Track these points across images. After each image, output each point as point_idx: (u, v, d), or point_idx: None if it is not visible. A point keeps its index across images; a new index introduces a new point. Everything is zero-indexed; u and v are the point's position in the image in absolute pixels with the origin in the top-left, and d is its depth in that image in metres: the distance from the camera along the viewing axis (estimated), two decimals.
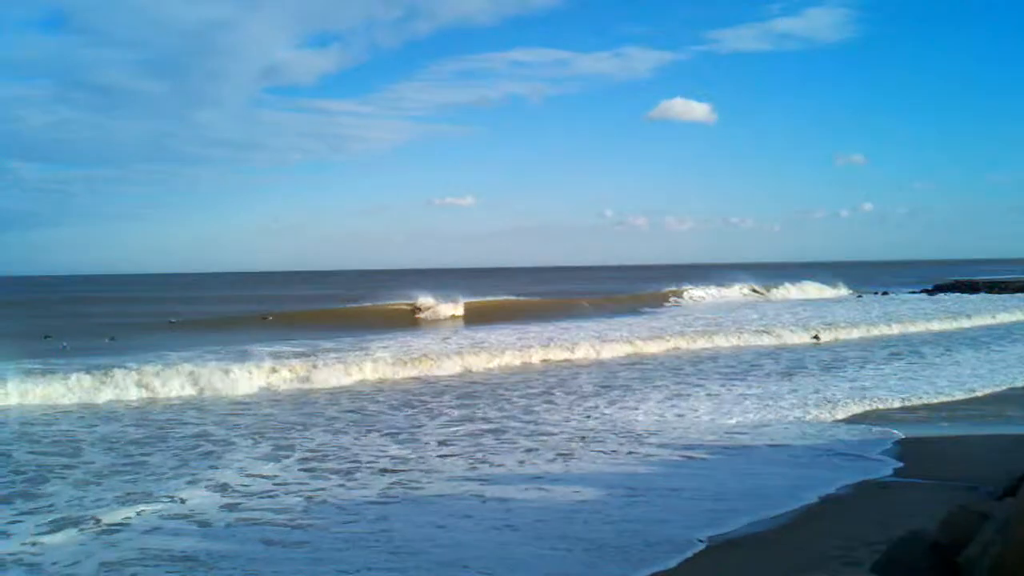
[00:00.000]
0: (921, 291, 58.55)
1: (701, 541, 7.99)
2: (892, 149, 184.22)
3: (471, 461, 11.55)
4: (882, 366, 21.45)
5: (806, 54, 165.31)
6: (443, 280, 68.56)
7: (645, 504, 9.34)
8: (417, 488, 10.09)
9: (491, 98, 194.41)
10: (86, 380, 17.33)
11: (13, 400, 16.27)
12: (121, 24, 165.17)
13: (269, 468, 11.19)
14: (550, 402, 16.60)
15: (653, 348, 26.01)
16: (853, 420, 14.56)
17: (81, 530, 8.43)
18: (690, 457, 11.71)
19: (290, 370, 19.26)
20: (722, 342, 27.46)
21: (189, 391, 17.56)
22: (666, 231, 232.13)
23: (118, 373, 17.74)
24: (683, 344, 26.84)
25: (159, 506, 9.32)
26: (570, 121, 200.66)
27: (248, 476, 10.70)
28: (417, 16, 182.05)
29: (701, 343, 27.21)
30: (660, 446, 12.46)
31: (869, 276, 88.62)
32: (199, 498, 9.66)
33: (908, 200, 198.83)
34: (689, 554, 7.65)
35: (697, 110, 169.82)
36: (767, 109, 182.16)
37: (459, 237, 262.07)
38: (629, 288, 62.14)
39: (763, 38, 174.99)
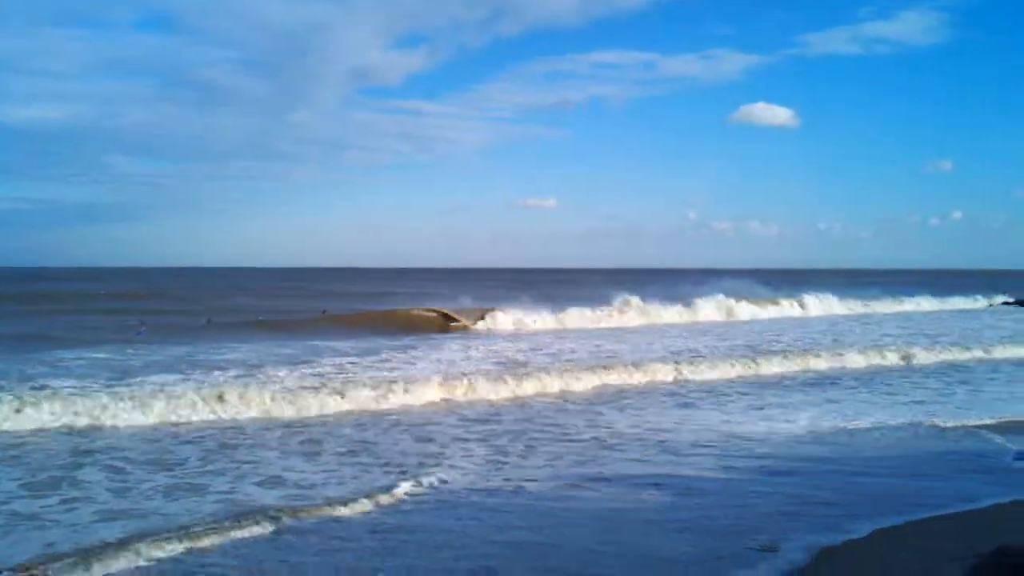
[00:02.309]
0: None
1: None
2: (983, 156, 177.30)
3: None
4: None
5: (896, 58, 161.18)
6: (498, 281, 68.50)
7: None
8: None
9: (575, 100, 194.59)
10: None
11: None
12: (223, 24, 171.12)
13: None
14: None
15: None
16: None
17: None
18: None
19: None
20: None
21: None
22: (751, 236, 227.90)
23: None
24: None
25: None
26: (653, 123, 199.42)
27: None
28: (503, 17, 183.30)
29: None
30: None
31: (971, 284, 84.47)
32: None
33: (1004, 208, 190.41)
34: None
35: (780, 115, 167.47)
36: (852, 114, 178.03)
37: (541, 239, 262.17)
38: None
39: (853, 42, 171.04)
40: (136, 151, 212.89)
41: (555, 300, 39.80)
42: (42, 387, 15.52)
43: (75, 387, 15.67)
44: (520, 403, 16.65)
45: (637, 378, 19.67)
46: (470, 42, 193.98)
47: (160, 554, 7.68)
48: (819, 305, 46.30)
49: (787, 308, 44.63)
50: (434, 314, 33.00)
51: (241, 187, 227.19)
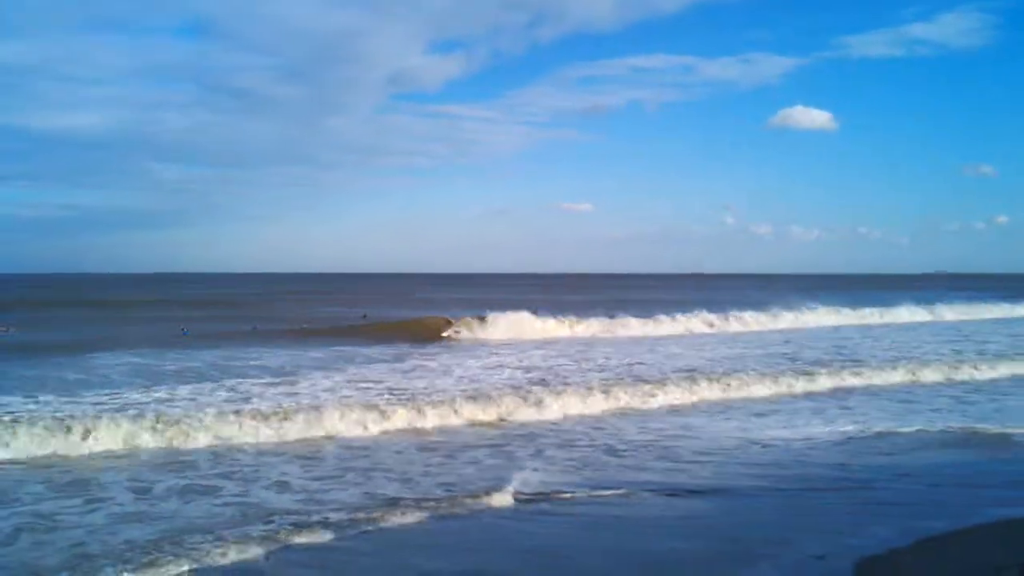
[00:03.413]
0: None
1: None
2: None
3: None
4: None
5: (937, 60, 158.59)
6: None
7: None
8: None
9: (613, 104, 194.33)
10: None
11: None
12: (259, 31, 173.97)
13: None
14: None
15: None
16: None
17: None
18: None
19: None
20: None
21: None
22: (792, 240, 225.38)
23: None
24: None
25: None
26: (690, 127, 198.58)
27: None
28: (542, 22, 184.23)
29: None
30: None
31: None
32: None
33: None
34: None
35: (818, 118, 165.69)
36: (892, 117, 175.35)
37: (577, 243, 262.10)
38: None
39: (894, 44, 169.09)
40: (174, 157, 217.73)
41: (603, 305, 39.44)
42: (68, 398, 15.66)
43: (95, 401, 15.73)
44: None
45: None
46: (508, 47, 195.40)
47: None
48: (951, 312, 45.35)
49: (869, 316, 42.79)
50: (452, 322, 31.85)
51: (277, 193, 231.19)
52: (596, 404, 16.42)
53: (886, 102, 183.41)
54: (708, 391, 18.11)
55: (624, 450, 12.78)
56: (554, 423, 14.97)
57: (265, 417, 13.50)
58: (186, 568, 7.44)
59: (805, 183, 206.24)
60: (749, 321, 37.75)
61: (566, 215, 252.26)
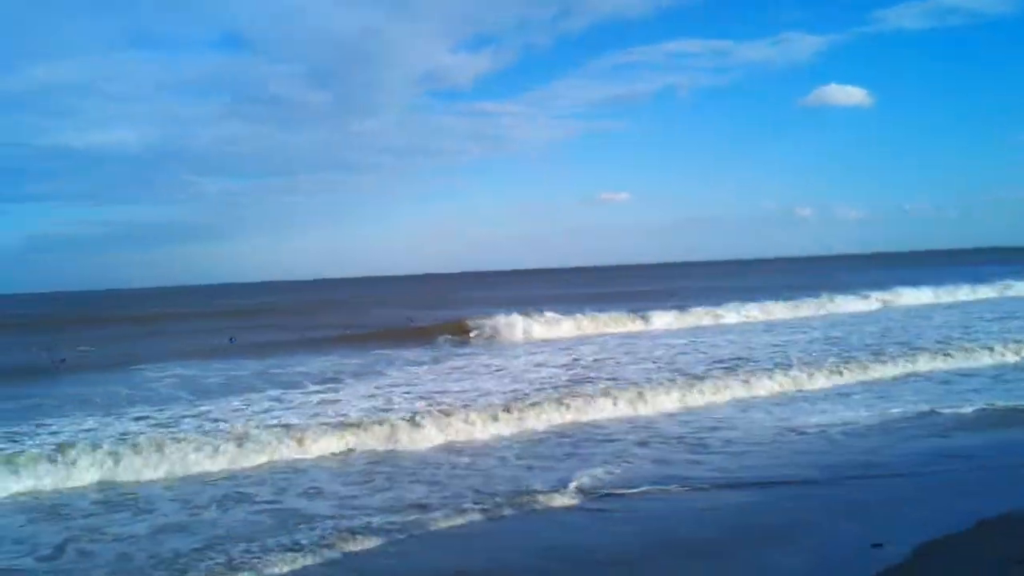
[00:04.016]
0: None
1: None
2: None
3: None
4: None
5: (970, 28, 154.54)
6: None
7: None
8: None
9: (647, 92, 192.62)
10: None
11: None
12: (287, 38, 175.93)
13: None
14: None
15: None
16: None
17: None
18: None
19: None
20: None
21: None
22: (835, 220, 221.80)
23: None
24: None
25: None
26: (725, 112, 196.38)
27: None
28: (571, 13, 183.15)
29: None
30: None
31: None
32: None
33: None
34: None
35: (853, 95, 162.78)
36: (929, 89, 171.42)
37: (617, 233, 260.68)
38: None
39: (925, 15, 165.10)
40: (211, 169, 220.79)
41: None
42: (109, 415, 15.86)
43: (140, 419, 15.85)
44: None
45: None
46: (538, 40, 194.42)
47: None
48: None
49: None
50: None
51: (315, 199, 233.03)
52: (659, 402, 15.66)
53: (922, 74, 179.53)
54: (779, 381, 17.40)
55: (683, 444, 12.59)
56: (594, 423, 14.49)
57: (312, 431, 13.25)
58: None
59: (844, 162, 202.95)
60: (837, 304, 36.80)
61: (604, 206, 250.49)
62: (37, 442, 13.02)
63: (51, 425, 14.55)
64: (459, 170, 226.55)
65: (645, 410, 15.16)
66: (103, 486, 11.22)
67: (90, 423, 14.68)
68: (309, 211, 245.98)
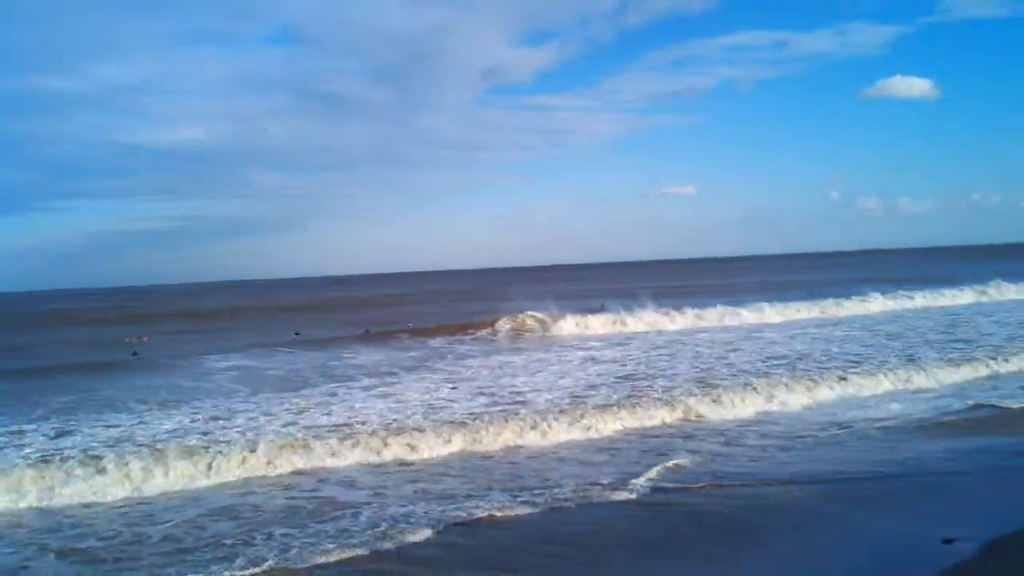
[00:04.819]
0: None
1: None
2: None
3: None
4: None
5: None
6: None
7: None
8: None
9: (707, 85, 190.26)
10: None
11: None
12: (347, 35, 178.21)
13: None
14: None
15: None
16: None
17: None
18: None
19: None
20: None
21: None
22: (902, 213, 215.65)
23: None
24: None
25: None
26: (786, 104, 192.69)
27: None
28: (631, 7, 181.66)
29: None
30: None
31: None
32: None
33: None
34: None
35: (919, 86, 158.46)
36: (998, 79, 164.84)
37: (681, 227, 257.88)
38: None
39: (998, 4, 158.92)
40: (275, 165, 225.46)
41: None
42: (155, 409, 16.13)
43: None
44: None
45: None
46: (599, 35, 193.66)
47: None
48: None
49: None
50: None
51: (374, 194, 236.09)
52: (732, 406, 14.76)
53: (991, 64, 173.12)
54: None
55: (756, 443, 12.32)
56: (646, 429, 13.79)
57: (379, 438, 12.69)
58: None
59: (910, 154, 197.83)
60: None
61: (668, 199, 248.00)
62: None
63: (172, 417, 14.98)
64: (518, 165, 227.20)
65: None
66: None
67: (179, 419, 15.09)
68: (369, 206, 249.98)
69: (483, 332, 29.50)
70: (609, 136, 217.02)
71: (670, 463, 10.89)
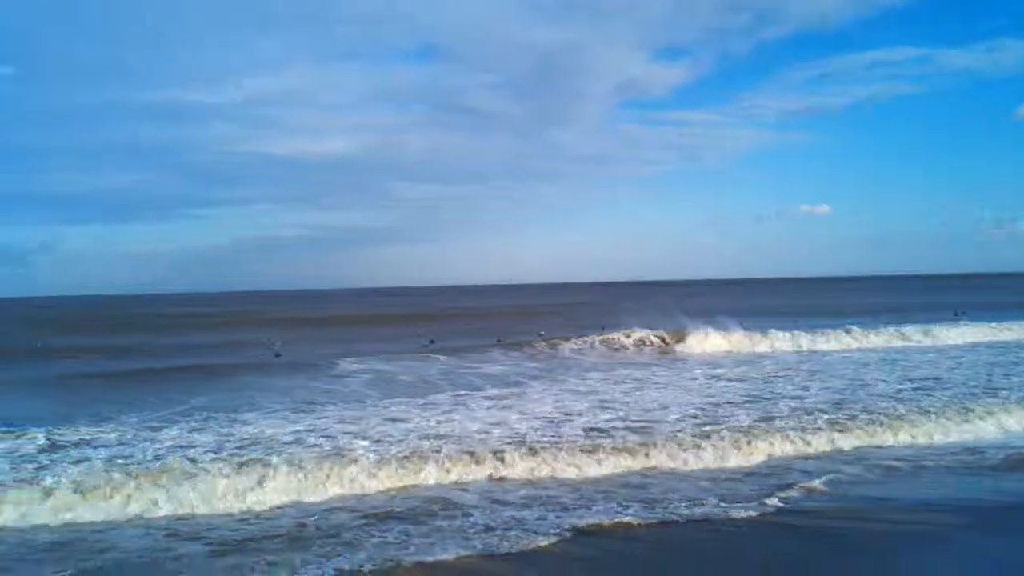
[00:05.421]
0: None
1: None
2: None
3: None
4: None
5: None
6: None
7: None
8: None
9: (844, 101, 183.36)
10: None
11: None
12: (485, 50, 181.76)
13: None
14: None
15: None
16: None
17: None
18: None
19: None
20: None
21: None
22: None
23: None
24: None
25: None
26: (929, 121, 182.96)
27: None
28: (766, 22, 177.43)
29: None
30: None
31: None
32: None
33: None
34: None
35: None
36: None
37: (817, 247, 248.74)
38: None
39: None
40: (414, 176, 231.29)
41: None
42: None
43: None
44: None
45: None
46: (733, 50, 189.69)
47: None
48: None
49: None
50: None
51: (505, 207, 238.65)
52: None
53: None
54: None
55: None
56: (779, 457, 13.38)
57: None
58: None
59: None
60: None
61: (803, 218, 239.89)
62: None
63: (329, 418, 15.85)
64: (649, 179, 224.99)
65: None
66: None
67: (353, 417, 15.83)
68: (501, 218, 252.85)
69: (610, 345, 29.62)
70: (743, 152, 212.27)
71: (803, 484, 10.73)
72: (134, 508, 10.08)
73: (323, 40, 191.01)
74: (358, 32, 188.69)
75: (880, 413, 15.03)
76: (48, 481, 10.55)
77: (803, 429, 13.86)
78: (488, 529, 9.02)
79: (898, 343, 29.91)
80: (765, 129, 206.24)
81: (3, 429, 14.14)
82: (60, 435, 13.76)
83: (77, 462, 11.68)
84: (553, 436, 13.42)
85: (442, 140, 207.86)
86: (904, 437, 13.87)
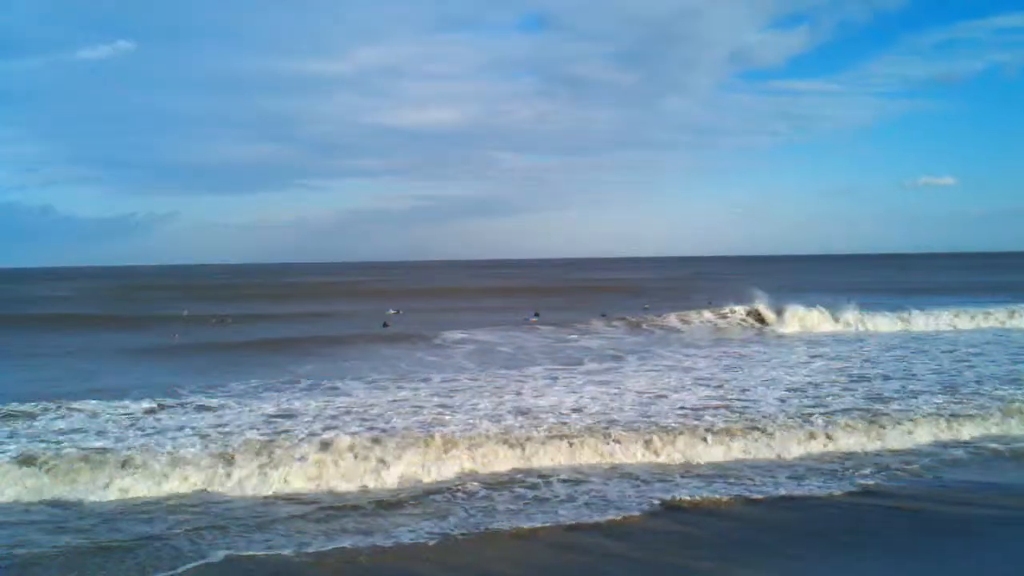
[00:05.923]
0: None
1: None
2: None
3: None
4: None
5: None
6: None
7: None
8: None
9: (971, 69, 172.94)
10: None
11: None
12: (594, 20, 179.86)
13: None
14: None
15: None
16: None
17: None
18: None
19: None
20: None
21: None
22: None
23: None
24: None
25: None
26: None
27: None
28: None
29: None
30: None
31: None
32: None
33: None
34: None
35: None
36: None
37: (937, 220, 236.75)
38: None
39: None
40: (519, 147, 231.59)
41: None
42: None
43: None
44: None
45: None
46: (852, 16, 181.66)
47: None
48: None
49: None
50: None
51: (615, 178, 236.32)
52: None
53: None
54: None
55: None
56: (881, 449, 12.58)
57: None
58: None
59: None
60: None
61: (924, 191, 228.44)
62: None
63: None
64: (760, 151, 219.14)
65: None
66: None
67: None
68: (610, 188, 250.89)
69: (711, 321, 29.37)
70: (861, 123, 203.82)
71: (902, 467, 10.76)
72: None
73: (439, 11, 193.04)
74: (472, 4, 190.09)
75: (988, 396, 14.62)
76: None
77: (909, 411, 13.56)
78: (571, 500, 9.41)
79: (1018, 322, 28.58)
80: (884, 98, 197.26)
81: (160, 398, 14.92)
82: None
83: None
84: (648, 415, 13.33)
85: (551, 110, 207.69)
86: (1014, 425, 13.27)
